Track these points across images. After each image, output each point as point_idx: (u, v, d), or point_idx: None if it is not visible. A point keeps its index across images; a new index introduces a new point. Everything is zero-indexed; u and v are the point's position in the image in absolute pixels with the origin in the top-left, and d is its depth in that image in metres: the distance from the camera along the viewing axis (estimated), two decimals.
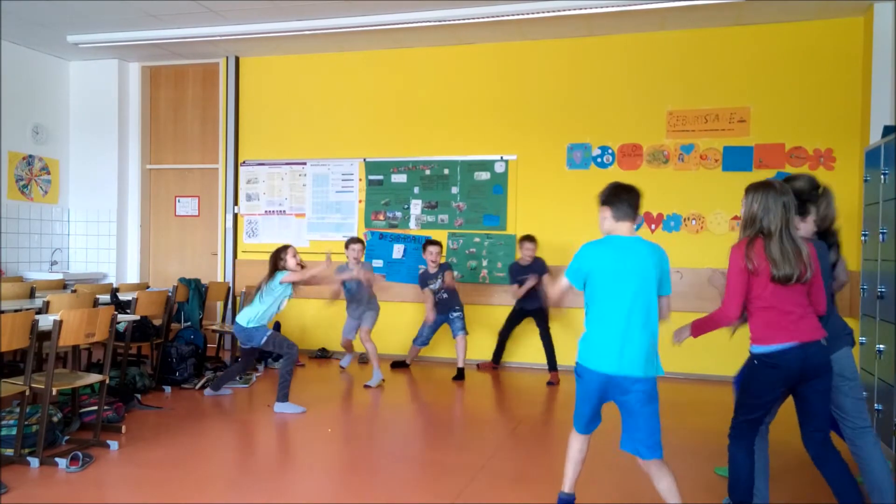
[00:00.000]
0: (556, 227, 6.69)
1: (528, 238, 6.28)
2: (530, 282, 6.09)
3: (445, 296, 6.25)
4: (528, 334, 6.57)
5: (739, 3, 5.71)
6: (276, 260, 5.04)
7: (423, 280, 6.31)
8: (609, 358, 2.73)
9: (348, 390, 5.83)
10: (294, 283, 5.07)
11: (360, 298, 6.04)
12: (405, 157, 7.20)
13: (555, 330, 6.39)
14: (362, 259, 6.13)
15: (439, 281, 6.23)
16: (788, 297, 2.72)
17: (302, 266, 5.10)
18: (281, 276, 4.97)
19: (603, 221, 2.92)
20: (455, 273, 6.51)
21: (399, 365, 6.67)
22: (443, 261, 6.48)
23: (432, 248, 6.20)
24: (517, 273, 6.32)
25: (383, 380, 5.92)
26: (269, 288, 4.98)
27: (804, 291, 2.75)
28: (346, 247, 6.08)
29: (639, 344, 2.72)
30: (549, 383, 6.12)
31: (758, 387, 2.80)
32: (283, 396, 4.96)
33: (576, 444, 3.04)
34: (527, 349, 6.69)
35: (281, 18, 6.42)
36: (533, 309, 6.26)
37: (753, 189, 2.82)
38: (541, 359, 6.34)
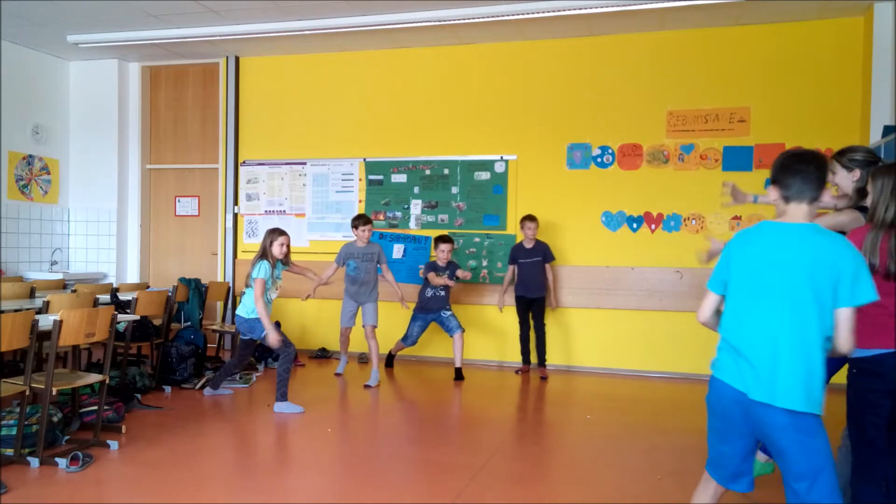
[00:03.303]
0: (556, 227, 6.69)
1: (530, 217, 6.32)
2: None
3: (442, 293, 6.21)
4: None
5: (739, 3, 5.71)
6: (265, 242, 4.99)
7: (432, 268, 6.19)
8: (740, 375, 2.17)
9: (348, 390, 5.83)
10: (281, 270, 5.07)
11: (363, 281, 5.95)
12: (405, 157, 7.20)
13: (559, 330, 6.41)
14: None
15: (447, 275, 6.16)
16: None
17: (286, 260, 5.06)
18: (254, 274, 4.91)
19: (776, 205, 2.28)
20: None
21: (390, 361, 6.61)
22: None
23: (444, 246, 6.13)
24: (519, 255, 6.37)
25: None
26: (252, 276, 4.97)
27: None
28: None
29: (788, 367, 2.10)
30: (542, 378, 6.17)
31: (864, 402, 2.48)
32: (282, 396, 4.95)
33: (698, 492, 2.41)
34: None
35: (281, 18, 6.42)
36: (534, 298, 6.30)
37: (882, 173, 2.48)
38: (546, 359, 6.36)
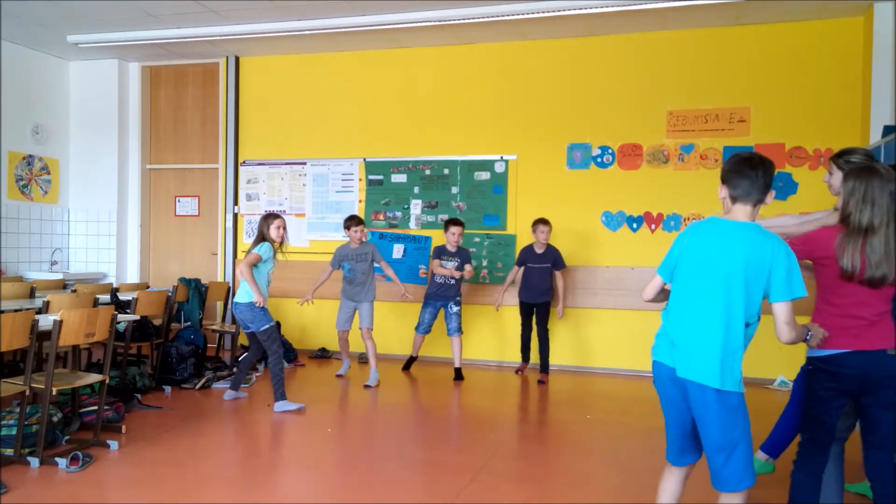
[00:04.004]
0: (556, 227, 6.68)
1: (543, 221, 6.14)
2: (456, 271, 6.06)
3: (453, 282, 6.14)
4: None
5: (739, 3, 5.71)
6: (262, 227, 5.06)
7: (439, 253, 6.15)
8: (670, 354, 2.41)
9: (348, 391, 5.84)
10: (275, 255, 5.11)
11: (360, 281, 5.94)
12: (405, 157, 7.20)
13: (559, 330, 6.41)
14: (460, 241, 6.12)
15: (453, 263, 6.11)
16: (866, 298, 2.47)
17: (281, 242, 5.10)
18: (252, 249, 4.97)
19: (723, 202, 2.44)
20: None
21: (409, 364, 6.57)
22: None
23: (455, 229, 6.07)
24: (528, 259, 6.20)
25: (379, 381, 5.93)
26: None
27: (888, 295, 2.48)
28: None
29: (709, 348, 2.29)
30: (540, 382, 6.10)
31: (814, 397, 2.58)
32: (281, 395, 4.96)
33: (662, 479, 2.58)
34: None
35: (281, 18, 6.43)
36: (537, 303, 6.19)
37: (854, 175, 2.52)
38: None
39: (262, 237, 5.04)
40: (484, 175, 6.99)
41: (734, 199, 2.36)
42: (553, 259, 6.18)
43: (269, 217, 5.09)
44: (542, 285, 6.18)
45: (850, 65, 6.07)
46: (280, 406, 4.93)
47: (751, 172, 2.32)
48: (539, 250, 6.19)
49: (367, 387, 5.78)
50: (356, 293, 5.97)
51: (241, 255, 7.64)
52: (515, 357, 6.66)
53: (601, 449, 4.26)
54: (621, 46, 6.63)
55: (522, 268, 6.27)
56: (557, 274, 6.21)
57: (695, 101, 6.46)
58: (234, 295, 7.30)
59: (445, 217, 7.02)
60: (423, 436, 4.58)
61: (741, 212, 2.36)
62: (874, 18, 5.74)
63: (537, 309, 6.22)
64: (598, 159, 6.70)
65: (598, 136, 6.70)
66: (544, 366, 6.21)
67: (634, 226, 6.59)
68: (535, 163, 6.84)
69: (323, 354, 7.23)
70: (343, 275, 5.99)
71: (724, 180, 2.40)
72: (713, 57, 6.41)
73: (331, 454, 4.14)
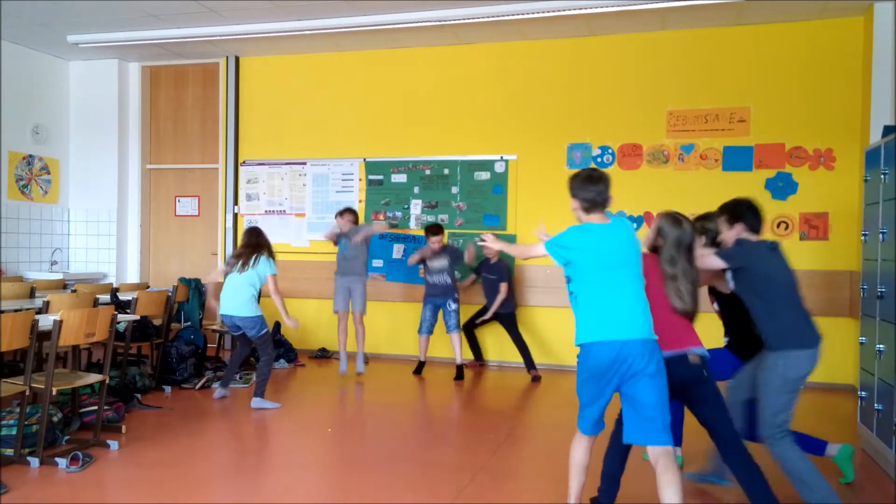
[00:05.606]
0: (556, 227, 6.67)
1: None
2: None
3: (449, 281, 6.18)
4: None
5: (739, 3, 5.71)
6: (263, 242, 5.23)
7: (422, 253, 6.24)
8: (623, 325, 2.71)
9: (348, 390, 5.84)
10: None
11: (353, 256, 6.06)
12: (405, 157, 7.20)
13: (560, 330, 6.42)
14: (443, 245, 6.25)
15: (442, 261, 6.17)
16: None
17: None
18: (268, 272, 5.14)
19: (575, 212, 2.92)
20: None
21: (419, 369, 6.46)
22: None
23: (434, 238, 6.15)
24: (481, 269, 6.42)
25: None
26: (257, 273, 5.11)
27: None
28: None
29: (643, 311, 2.76)
30: (535, 379, 6.17)
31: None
32: (261, 392, 5.05)
33: (579, 447, 3.04)
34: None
35: (281, 18, 6.43)
36: (501, 313, 6.30)
37: (667, 223, 2.96)
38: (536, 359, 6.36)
39: (268, 251, 5.21)
40: (484, 175, 6.98)
41: (588, 210, 2.82)
42: (498, 273, 6.29)
43: (263, 234, 5.28)
44: (490, 298, 6.33)
45: (850, 65, 6.07)
46: (257, 402, 5.03)
47: (594, 187, 2.80)
48: (493, 261, 6.33)
49: (360, 373, 6.00)
50: (349, 267, 6.07)
51: None
52: (515, 357, 6.66)
53: (601, 448, 4.25)
54: (621, 46, 6.63)
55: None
56: (503, 286, 6.29)
57: (695, 101, 6.45)
58: None
59: (445, 217, 7.04)
60: (423, 435, 4.58)
61: (598, 217, 2.82)
62: (874, 18, 5.74)
63: (502, 319, 6.37)
64: (598, 159, 6.70)
65: (598, 136, 6.69)
66: (529, 363, 6.29)
67: (634, 226, 6.57)
68: (535, 163, 6.84)
69: (323, 354, 7.23)
70: (338, 251, 6.14)
71: (574, 195, 2.84)
72: (713, 57, 6.41)
73: (330, 454, 4.14)
